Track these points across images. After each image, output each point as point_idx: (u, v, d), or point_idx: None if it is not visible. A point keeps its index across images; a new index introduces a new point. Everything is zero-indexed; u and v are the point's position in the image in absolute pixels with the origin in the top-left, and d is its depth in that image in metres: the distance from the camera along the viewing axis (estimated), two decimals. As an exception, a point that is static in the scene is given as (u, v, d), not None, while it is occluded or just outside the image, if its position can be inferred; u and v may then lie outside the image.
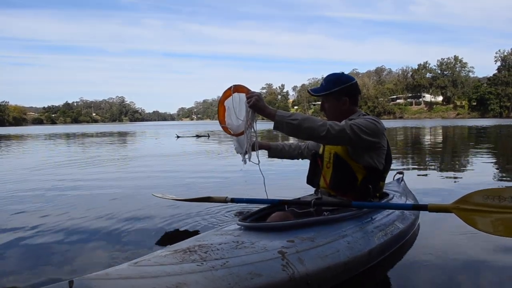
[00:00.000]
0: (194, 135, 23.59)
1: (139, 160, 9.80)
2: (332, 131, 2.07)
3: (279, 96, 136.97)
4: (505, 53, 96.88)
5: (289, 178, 5.43)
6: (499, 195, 1.94)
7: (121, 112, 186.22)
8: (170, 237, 2.99)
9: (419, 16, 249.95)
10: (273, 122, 2.08)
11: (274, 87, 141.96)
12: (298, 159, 2.91)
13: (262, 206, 2.43)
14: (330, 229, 2.06)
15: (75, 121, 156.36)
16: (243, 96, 2.19)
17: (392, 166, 2.54)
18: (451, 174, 6.41)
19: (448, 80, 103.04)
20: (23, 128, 71.66)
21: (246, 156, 2.28)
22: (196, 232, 3.04)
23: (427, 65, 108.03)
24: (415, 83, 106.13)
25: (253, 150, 2.30)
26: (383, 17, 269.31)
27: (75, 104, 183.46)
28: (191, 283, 1.42)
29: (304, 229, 2.00)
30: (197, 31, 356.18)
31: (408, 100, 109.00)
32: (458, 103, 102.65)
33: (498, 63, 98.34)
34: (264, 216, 2.28)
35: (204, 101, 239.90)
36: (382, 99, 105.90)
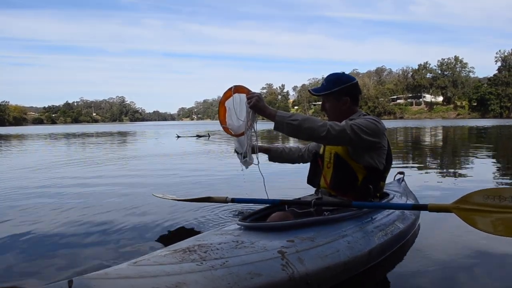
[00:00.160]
0: (195, 135, 23.58)
1: (140, 160, 9.80)
2: (332, 131, 2.07)
3: (280, 96, 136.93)
4: (506, 53, 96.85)
5: (289, 178, 5.43)
6: (499, 195, 1.93)
7: (121, 112, 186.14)
8: (170, 237, 2.99)
9: (419, 16, 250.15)
10: (273, 123, 2.08)
11: (274, 87, 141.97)
12: (298, 162, 2.87)
13: (262, 206, 2.43)
14: (330, 229, 2.06)
15: (76, 121, 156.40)
16: (243, 96, 2.19)
17: (393, 166, 2.54)
18: (451, 174, 6.40)
19: (448, 80, 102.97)
20: (23, 128, 71.72)
21: (246, 158, 2.28)
22: (196, 232, 3.04)
23: (428, 65, 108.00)
24: (415, 83, 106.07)
25: (253, 152, 2.30)
26: (383, 17, 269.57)
27: (75, 104, 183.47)
28: (191, 282, 1.42)
29: (304, 229, 2.00)
30: (197, 31, 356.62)
31: (409, 100, 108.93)
32: (459, 103, 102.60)
33: (499, 63, 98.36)
34: (264, 216, 2.28)
35: (204, 101, 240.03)
36: (382, 99, 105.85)
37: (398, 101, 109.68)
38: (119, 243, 2.85)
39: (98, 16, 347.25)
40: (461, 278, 2.19)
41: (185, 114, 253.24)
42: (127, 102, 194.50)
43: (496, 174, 6.44)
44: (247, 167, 2.34)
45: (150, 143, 18.37)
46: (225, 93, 2.28)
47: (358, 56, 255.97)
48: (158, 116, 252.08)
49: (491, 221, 1.92)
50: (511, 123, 38.77)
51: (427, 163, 8.11)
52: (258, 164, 2.27)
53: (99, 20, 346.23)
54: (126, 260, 1.60)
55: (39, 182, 5.91)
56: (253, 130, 2.20)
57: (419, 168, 7.17)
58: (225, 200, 2.72)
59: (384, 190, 2.68)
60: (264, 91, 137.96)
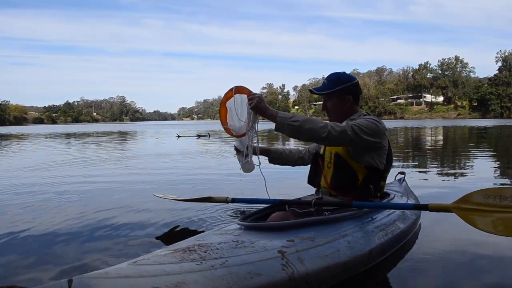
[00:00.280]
0: (195, 135, 23.57)
1: (140, 159, 9.79)
2: (333, 132, 2.07)
3: (280, 96, 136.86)
4: (506, 54, 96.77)
5: (290, 178, 5.42)
6: (499, 195, 1.93)
7: (121, 111, 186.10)
8: (170, 237, 2.99)
9: (419, 16, 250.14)
10: (273, 123, 2.08)
11: (274, 87, 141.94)
12: (298, 165, 2.85)
13: (263, 206, 2.43)
14: (330, 229, 2.06)
15: (76, 120, 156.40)
16: (244, 97, 2.19)
17: (393, 167, 2.53)
18: (452, 174, 6.40)
19: (449, 80, 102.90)
20: (23, 128, 71.72)
21: (247, 159, 2.27)
22: (196, 232, 3.04)
23: (428, 65, 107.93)
24: (415, 83, 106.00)
25: (254, 153, 2.30)
26: (383, 17, 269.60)
27: (75, 103, 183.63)
28: (190, 282, 1.42)
29: (304, 228, 2.00)
30: (197, 31, 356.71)
31: (409, 100, 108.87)
32: (459, 103, 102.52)
33: (499, 63, 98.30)
34: (265, 216, 2.28)
35: (204, 100, 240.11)
36: (382, 99, 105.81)
37: (399, 101, 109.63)
38: (120, 242, 2.85)
39: (98, 16, 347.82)
40: (462, 278, 2.18)
41: (186, 113, 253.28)
42: (127, 102, 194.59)
43: (496, 174, 6.43)
44: (246, 172, 2.34)
45: (150, 143, 18.37)
46: (226, 94, 2.28)
47: (359, 56, 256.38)
48: (159, 116, 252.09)
49: (491, 221, 1.91)
50: (511, 123, 38.73)
51: (428, 163, 8.11)
52: (259, 166, 2.27)
53: (99, 20, 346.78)
54: (127, 260, 1.60)
55: (39, 182, 5.91)
56: (254, 131, 2.20)
57: (420, 169, 7.17)
58: (225, 200, 2.72)
59: (385, 190, 2.67)
60: (265, 91, 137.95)
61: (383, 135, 2.31)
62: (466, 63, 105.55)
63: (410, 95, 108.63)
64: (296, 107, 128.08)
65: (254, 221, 2.13)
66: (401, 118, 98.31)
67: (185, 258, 1.56)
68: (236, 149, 2.43)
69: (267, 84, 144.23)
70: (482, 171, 6.70)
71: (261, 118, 2.19)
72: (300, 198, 2.54)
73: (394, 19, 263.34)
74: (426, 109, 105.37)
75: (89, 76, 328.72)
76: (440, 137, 19.18)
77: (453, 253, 2.52)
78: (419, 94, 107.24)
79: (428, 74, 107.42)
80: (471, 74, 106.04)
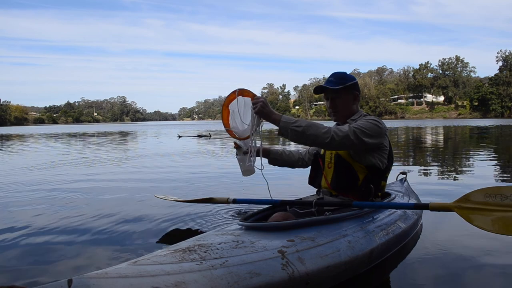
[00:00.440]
0: (196, 135, 23.56)
1: (141, 160, 9.79)
2: (336, 137, 2.08)
3: (281, 96, 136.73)
4: (507, 53, 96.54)
5: (291, 179, 5.42)
6: (500, 193, 1.93)
7: (122, 112, 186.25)
8: (171, 238, 2.99)
9: (420, 16, 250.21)
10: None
11: (275, 87, 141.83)
12: (298, 166, 2.81)
13: (264, 206, 2.42)
14: (331, 229, 2.05)
15: (77, 121, 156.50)
16: (248, 100, 2.18)
17: (395, 167, 2.53)
18: (454, 174, 6.39)
19: (449, 80, 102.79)
20: (24, 128, 71.76)
21: (250, 163, 2.27)
22: (197, 232, 3.04)
23: (429, 65, 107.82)
24: (416, 83, 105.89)
25: (257, 155, 2.29)
26: (384, 16, 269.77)
27: (76, 104, 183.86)
28: (190, 282, 1.42)
29: (305, 228, 2.00)
30: (198, 31, 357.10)
31: (410, 100, 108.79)
32: (460, 103, 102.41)
33: (500, 63, 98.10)
34: (266, 217, 2.28)
35: (205, 101, 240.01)
36: (383, 99, 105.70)
37: (399, 101, 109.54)
38: (120, 243, 2.85)
39: (99, 16, 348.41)
40: (464, 279, 2.17)
41: (186, 114, 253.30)
42: (128, 102, 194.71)
43: (497, 174, 6.42)
44: (246, 176, 2.34)
45: (151, 143, 18.36)
46: (228, 96, 2.27)
47: (359, 56, 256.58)
48: (159, 116, 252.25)
49: (492, 220, 1.91)
50: (512, 123, 38.70)
51: (429, 163, 8.10)
52: (262, 170, 2.26)
53: (101, 20, 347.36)
54: (127, 260, 1.60)
55: (39, 182, 5.91)
56: (257, 135, 2.19)
57: (422, 168, 7.16)
58: (226, 201, 2.72)
59: (386, 190, 2.67)
60: (265, 91, 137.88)
61: (384, 135, 2.32)
62: (467, 63, 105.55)
63: (411, 95, 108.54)
64: (297, 107, 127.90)
65: (255, 221, 2.12)
66: (402, 118, 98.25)
67: (185, 258, 1.56)
68: (236, 146, 2.41)
69: (268, 84, 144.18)
70: (483, 170, 6.69)
71: (263, 120, 2.18)
72: (301, 199, 2.54)
73: (395, 18, 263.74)
74: (426, 109, 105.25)
75: (90, 76, 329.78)
76: (441, 137, 19.16)
77: (455, 254, 2.51)
78: (420, 94, 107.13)
79: (429, 74, 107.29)
80: (472, 74, 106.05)
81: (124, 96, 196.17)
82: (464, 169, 7.16)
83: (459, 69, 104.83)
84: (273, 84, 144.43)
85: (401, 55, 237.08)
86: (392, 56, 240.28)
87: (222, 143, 15.88)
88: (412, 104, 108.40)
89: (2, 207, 4.14)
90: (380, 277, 2.19)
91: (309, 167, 2.68)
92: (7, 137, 27.57)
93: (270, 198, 2.44)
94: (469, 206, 1.99)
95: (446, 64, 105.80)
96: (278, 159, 2.75)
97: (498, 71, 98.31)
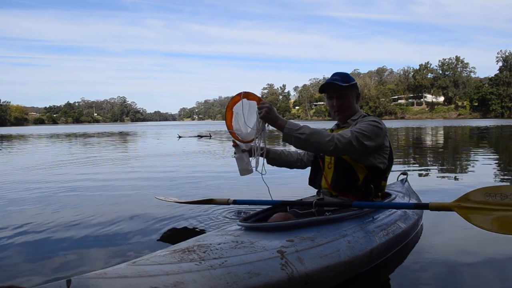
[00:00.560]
0: (196, 135, 23.56)
1: (141, 160, 9.79)
2: (339, 145, 2.10)
3: (281, 97, 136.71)
4: (507, 54, 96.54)
5: (291, 180, 5.42)
6: (500, 193, 1.93)
7: (122, 112, 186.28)
8: (170, 238, 2.98)
9: (420, 16, 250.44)
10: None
11: (275, 87, 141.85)
12: (297, 167, 2.79)
13: (264, 207, 2.42)
14: (331, 229, 2.05)
15: (77, 121, 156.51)
16: (253, 104, 2.18)
17: (396, 167, 2.53)
18: (455, 174, 6.39)
19: (449, 80, 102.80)
20: (24, 128, 71.79)
21: (253, 167, 2.26)
22: (196, 233, 3.03)
23: (429, 65, 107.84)
24: (416, 83, 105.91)
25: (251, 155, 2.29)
26: (384, 16, 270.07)
27: (76, 104, 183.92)
28: (189, 282, 1.41)
29: (304, 229, 1.99)
30: (198, 31, 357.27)
31: (410, 100, 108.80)
32: (460, 103, 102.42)
33: (500, 63, 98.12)
34: (266, 217, 2.28)
35: (205, 101, 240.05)
36: (383, 99, 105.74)
37: (399, 101, 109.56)
38: (120, 243, 2.84)
39: (100, 16, 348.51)
40: (464, 279, 2.17)
41: (186, 114, 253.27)
42: (128, 102, 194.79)
43: (498, 173, 6.41)
44: (243, 175, 2.33)
45: (151, 144, 18.36)
46: (233, 98, 2.26)
47: (359, 56, 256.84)
48: (159, 117, 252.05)
49: (492, 219, 1.91)
50: (512, 123, 38.68)
51: (430, 164, 8.09)
52: (264, 174, 2.25)
53: (101, 20, 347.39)
54: (126, 261, 1.59)
55: (39, 182, 5.91)
56: (262, 139, 2.18)
57: (422, 169, 7.15)
58: (227, 202, 2.71)
59: (387, 191, 2.67)
60: (265, 91, 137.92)
61: (385, 136, 2.33)
62: (467, 63, 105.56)
63: (411, 95, 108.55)
64: (297, 107, 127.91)
65: (255, 222, 2.12)
66: (402, 118, 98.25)
67: (184, 259, 1.56)
68: (234, 144, 2.38)
69: (268, 84, 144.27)
70: (483, 170, 6.69)
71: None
72: (301, 199, 2.54)
73: (395, 18, 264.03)
74: (426, 109, 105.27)
75: (90, 76, 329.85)
76: (441, 137, 19.16)
77: (455, 254, 2.51)
78: (420, 94, 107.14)
79: (429, 74, 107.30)
80: (472, 74, 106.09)
81: (124, 97, 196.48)
82: (464, 169, 7.16)
83: (459, 69, 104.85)
84: (273, 84, 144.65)
85: (401, 55, 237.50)
86: (392, 56, 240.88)
87: (223, 144, 15.88)
88: (412, 104, 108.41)
89: (2, 207, 4.13)
90: (380, 277, 2.18)
91: (308, 168, 2.68)
92: (7, 138, 27.57)
93: (270, 199, 2.44)
94: (469, 206, 1.99)
95: (446, 64, 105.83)
96: (276, 159, 2.73)
97: (498, 72, 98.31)
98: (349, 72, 2.47)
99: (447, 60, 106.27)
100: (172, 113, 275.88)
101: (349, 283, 1.97)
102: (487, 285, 2.12)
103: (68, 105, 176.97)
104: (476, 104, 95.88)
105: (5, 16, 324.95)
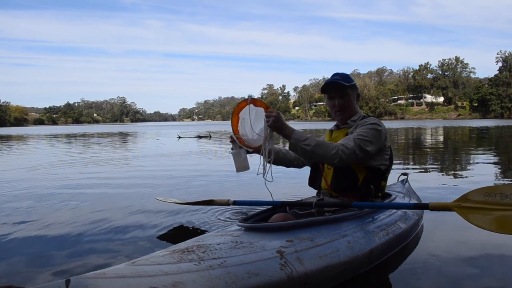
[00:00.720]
0: (196, 136, 23.55)
1: (141, 160, 9.79)
2: (343, 156, 2.12)
3: (280, 97, 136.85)
4: (507, 54, 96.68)
5: (291, 180, 5.41)
6: (500, 192, 1.93)
7: (122, 112, 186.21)
8: (170, 239, 2.98)
9: (420, 17, 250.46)
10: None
11: (275, 88, 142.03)
12: (294, 166, 2.74)
13: (264, 208, 2.42)
14: (330, 229, 2.05)
15: (76, 121, 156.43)
16: (260, 110, 2.17)
17: (396, 168, 2.53)
18: (455, 174, 6.39)
19: (449, 81, 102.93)
20: (24, 129, 71.75)
21: (245, 159, 2.26)
22: (196, 234, 3.03)
23: (428, 65, 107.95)
24: (416, 83, 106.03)
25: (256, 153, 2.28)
26: (384, 17, 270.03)
27: (76, 104, 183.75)
28: (188, 282, 1.41)
29: (304, 229, 1.99)
30: (198, 32, 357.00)
31: (409, 100, 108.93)
32: (459, 104, 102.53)
33: (500, 64, 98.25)
34: (266, 218, 2.28)
35: (205, 101, 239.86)
36: (383, 99, 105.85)
37: (399, 101, 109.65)
38: (120, 244, 2.84)
39: (99, 17, 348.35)
40: (465, 280, 2.16)
41: (186, 114, 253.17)
42: (128, 103, 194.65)
43: (498, 173, 6.42)
44: (239, 171, 2.32)
45: (151, 144, 18.35)
46: (239, 104, 2.26)
47: (359, 57, 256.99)
48: (159, 117, 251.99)
49: (492, 219, 1.91)
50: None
51: (430, 164, 8.09)
52: (265, 181, 2.21)
53: (100, 21, 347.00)
54: (125, 261, 1.59)
55: (39, 182, 5.90)
56: (269, 146, 2.18)
57: (423, 169, 7.15)
58: (227, 203, 2.71)
59: (387, 191, 2.67)
60: (265, 91, 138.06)
61: (385, 137, 2.34)
62: (467, 64, 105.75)
63: (411, 95, 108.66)
64: (297, 108, 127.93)
65: (255, 222, 2.11)
66: (402, 118, 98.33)
67: (183, 259, 1.56)
68: (231, 141, 2.35)
69: (268, 85, 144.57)
70: (483, 170, 6.69)
71: None
72: (301, 200, 2.54)
73: (395, 19, 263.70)
74: (426, 109, 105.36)
75: (89, 77, 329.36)
76: (441, 137, 19.16)
77: (455, 254, 2.51)
78: (420, 95, 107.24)
79: (429, 74, 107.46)
80: (472, 75, 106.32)
81: (124, 97, 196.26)
82: (464, 169, 7.16)
83: (458, 69, 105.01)
84: (273, 85, 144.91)
85: (401, 56, 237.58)
86: (392, 57, 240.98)
87: (222, 144, 15.88)
88: (412, 104, 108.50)
89: (2, 208, 4.13)
90: (380, 277, 2.18)
91: (307, 168, 2.68)
92: (6, 138, 27.57)
93: (271, 200, 2.44)
94: (468, 206, 1.99)
95: (445, 65, 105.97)
96: (276, 159, 2.72)
97: (497, 72, 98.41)
98: (348, 73, 2.47)
99: (446, 60, 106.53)
100: (172, 114, 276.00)
101: (349, 283, 1.97)
102: (487, 285, 2.12)
103: (68, 105, 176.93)
104: (476, 104, 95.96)
105: (5, 16, 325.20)
